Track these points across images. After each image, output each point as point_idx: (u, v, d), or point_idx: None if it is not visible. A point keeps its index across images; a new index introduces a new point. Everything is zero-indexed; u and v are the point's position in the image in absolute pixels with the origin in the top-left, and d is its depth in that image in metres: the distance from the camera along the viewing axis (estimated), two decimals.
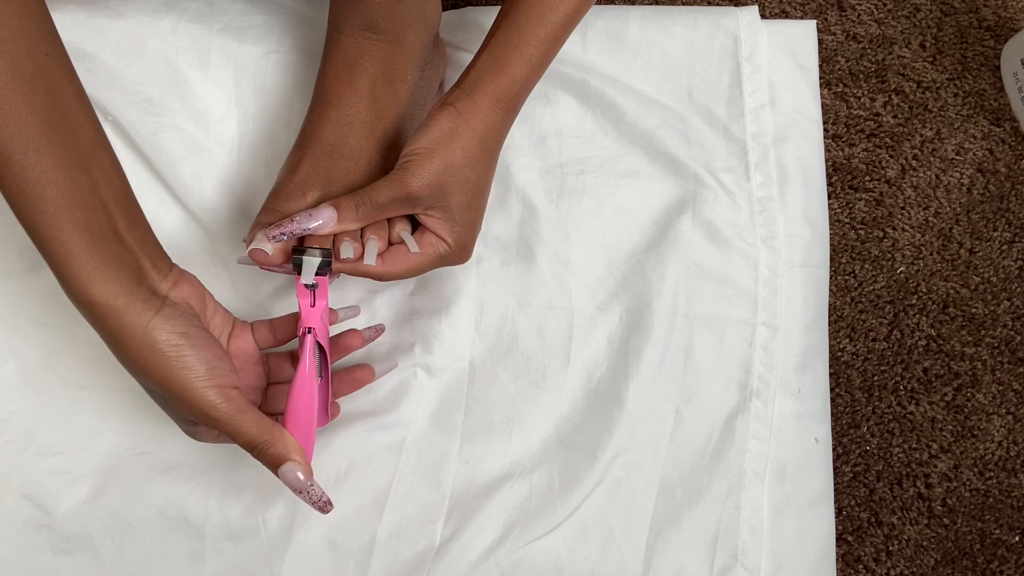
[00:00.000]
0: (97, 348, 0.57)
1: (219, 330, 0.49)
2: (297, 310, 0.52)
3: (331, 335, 0.53)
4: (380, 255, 0.50)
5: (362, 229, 0.51)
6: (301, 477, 0.45)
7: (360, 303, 0.59)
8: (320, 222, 0.47)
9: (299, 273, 0.49)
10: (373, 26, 0.53)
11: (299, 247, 0.49)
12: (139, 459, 0.56)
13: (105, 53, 0.59)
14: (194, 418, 0.45)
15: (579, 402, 0.57)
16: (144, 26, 0.60)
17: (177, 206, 0.59)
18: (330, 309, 0.53)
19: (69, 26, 0.58)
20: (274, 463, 0.45)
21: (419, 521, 0.54)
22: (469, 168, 0.49)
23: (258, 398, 0.52)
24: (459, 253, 0.52)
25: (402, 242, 0.51)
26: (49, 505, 0.54)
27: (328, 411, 0.53)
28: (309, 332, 0.49)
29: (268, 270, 0.51)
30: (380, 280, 0.52)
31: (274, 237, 0.47)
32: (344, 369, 0.55)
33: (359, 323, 0.58)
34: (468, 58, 0.62)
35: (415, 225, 0.52)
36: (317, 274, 0.49)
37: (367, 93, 0.54)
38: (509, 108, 0.50)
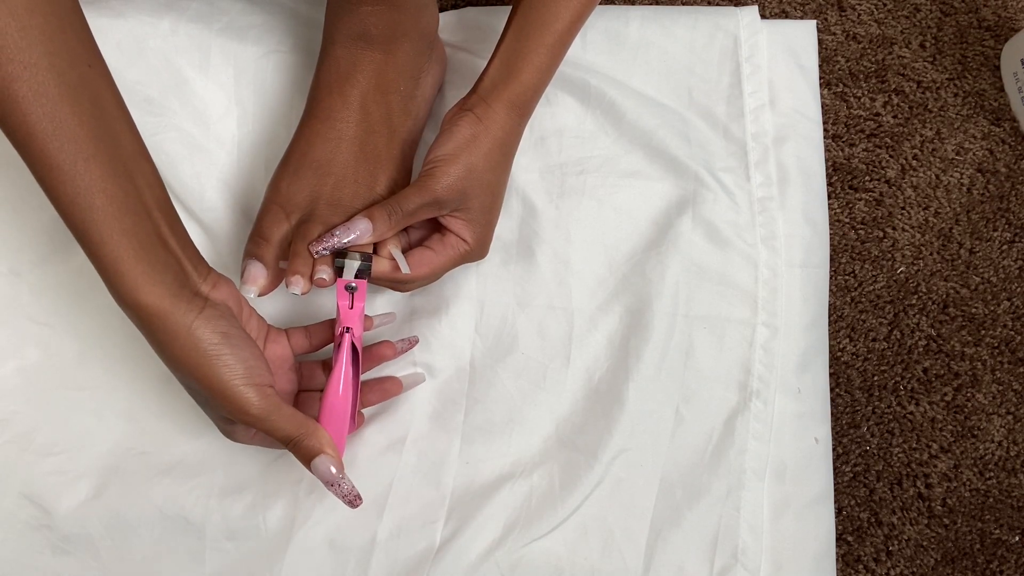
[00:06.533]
0: (97, 348, 0.57)
1: (254, 334, 0.50)
2: (321, 318, 0.54)
3: (364, 345, 0.54)
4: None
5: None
6: (333, 470, 0.46)
7: None
8: (357, 234, 0.50)
9: (340, 275, 0.51)
10: (366, 36, 0.54)
11: (340, 250, 0.51)
12: (139, 459, 0.56)
13: (105, 53, 0.58)
14: (232, 416, 0.46)
15: (579, 402, 0.57)
16: (144, 26, 0.60)
17: (177, 206, 0.59)
18: (366, 316, 0.54)
19: None
20: (307, 456, 0.46)
21: (419, 521, 0.54)
22: (490, 171, 0.52)
23: (289, 403, 0.52)
24: (478, 250, 0.54)
25: (420, 245, 0.53)
26: (49, 505, 0.54)
27: (355, 419, 0.53)
28: (347, 332, 0.51)
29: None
30: (408, 284, 0.53)
31: (317, 252, 0.50)
32: (374, 380, 0.56)
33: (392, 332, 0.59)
34: (469, 58, 0.63)
35: (435, 229, 0.53)
36: (357, 276, 0.51)
37: (358, 107, 0.55)
38: (523, 112, 0.53)
